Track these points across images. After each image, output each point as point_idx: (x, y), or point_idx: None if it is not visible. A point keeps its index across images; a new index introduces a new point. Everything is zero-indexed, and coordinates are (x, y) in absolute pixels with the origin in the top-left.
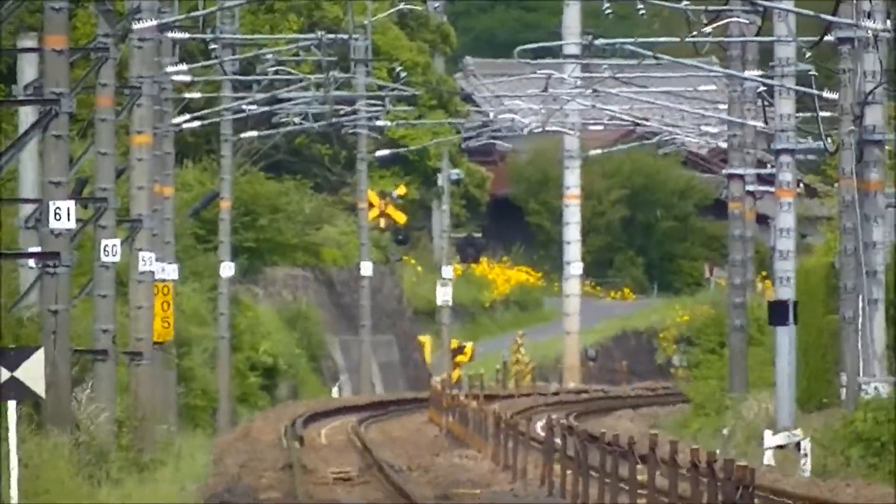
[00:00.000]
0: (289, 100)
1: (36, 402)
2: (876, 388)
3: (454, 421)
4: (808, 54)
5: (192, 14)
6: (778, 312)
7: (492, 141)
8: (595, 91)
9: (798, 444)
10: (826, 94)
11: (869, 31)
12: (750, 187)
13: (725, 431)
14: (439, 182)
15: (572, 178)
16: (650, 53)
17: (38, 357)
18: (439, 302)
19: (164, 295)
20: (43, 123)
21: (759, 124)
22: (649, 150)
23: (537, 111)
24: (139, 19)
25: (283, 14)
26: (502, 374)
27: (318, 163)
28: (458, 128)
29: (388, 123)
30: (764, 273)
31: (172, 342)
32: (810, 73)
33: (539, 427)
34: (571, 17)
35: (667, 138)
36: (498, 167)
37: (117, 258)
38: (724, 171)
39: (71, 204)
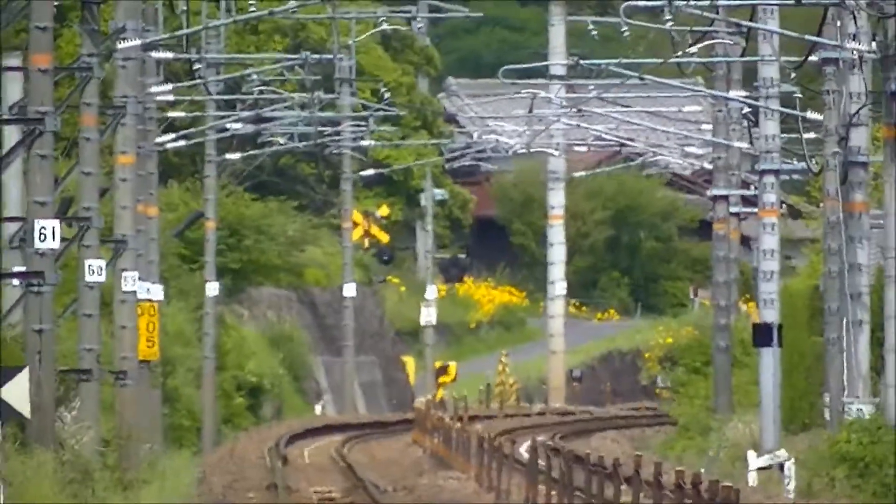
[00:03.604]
0: (273, 119)
1: (20, 421)
2: (859, 409)
3: (438, 442)
4: (793, 75)
5: (177, 33)
6: (762, 334)
7: (476, 162)
8: (580, 111)
9: (782, 466)
10: (811, 115)
11: (854, 52)
12: (734, 208)
13: (710, 453)
14: (422, 202)
15: (557, 199)
16: (635, 74)
17: (23, 376)
18: (423, 322)
19: (150, 315)
20: (27, 143)
21: (744, 145)
22: (634, 171)
23: (521, 132)
24: (123, 39)
25: (269, 34)
26: (486, 395)
27: (303, 183)
28: (441, 149)
29: (373, 143)
30: (748, 295)
31: (157, 362)
32: (795, 94)
33: (524, 448)
34: (557, 38)
35: (651, 159)
36: (482, 188)
37: (102, 278)
38: (708, 193)
39: (55, 223)
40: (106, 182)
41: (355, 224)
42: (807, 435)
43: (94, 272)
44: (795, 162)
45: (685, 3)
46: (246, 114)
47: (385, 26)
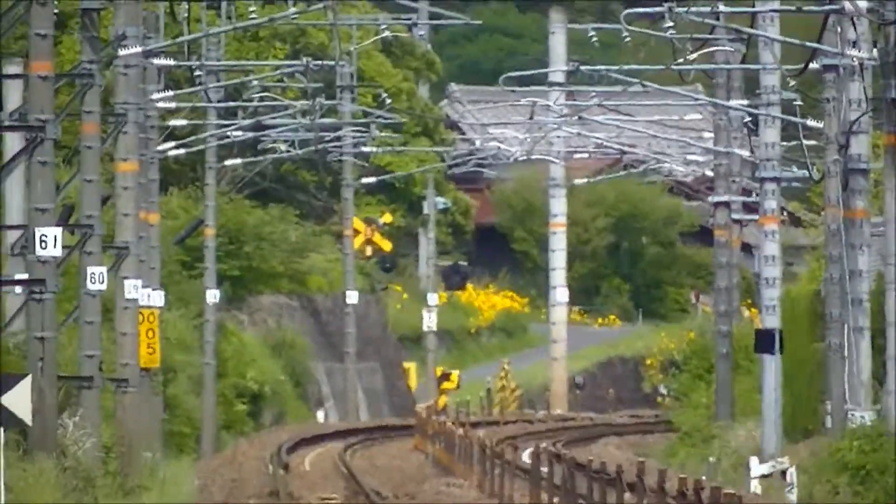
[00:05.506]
0: (274, 126)
1: (22, 429)
2: (862, 417)
3: (440, 448)
4: (793, 82)
5: (178, 40)
6: (764, 340)
7: (477, 169)
8: (581, 119)
9: (784, 473)
10: (811, 122)
11: (854, 60)
12: (735, 215)
13: (712, 459)
14: (425, 210)
15: (558, 206)
16: (636, 81)
17: (25, 384)
18: (425, 328)
19: (150, 322)
20: (28, 150)
21: (745, 153)
22: (635, 178)
23: (523, 139)
24: (124, 46)
25: (269, 41)
26: (487, 401)
27: (304, 190)
28: (443, 156)
29: (374, 150)
30: (749, 300)
31: (158, 369)
32: (795, 101)
33: (526, 455)
34: (557, 45)
35: (653, 167)
36: (483, 195)
37: (104, 286)
38: (709, 199)
39: (57, 231)
40: (107, 189)
41: (357, 231)
42: (808, 442)
43: (95, 280)
44: (796, 169)
45: (686, 10)
46: (247, 121)
47: (387, 33)
